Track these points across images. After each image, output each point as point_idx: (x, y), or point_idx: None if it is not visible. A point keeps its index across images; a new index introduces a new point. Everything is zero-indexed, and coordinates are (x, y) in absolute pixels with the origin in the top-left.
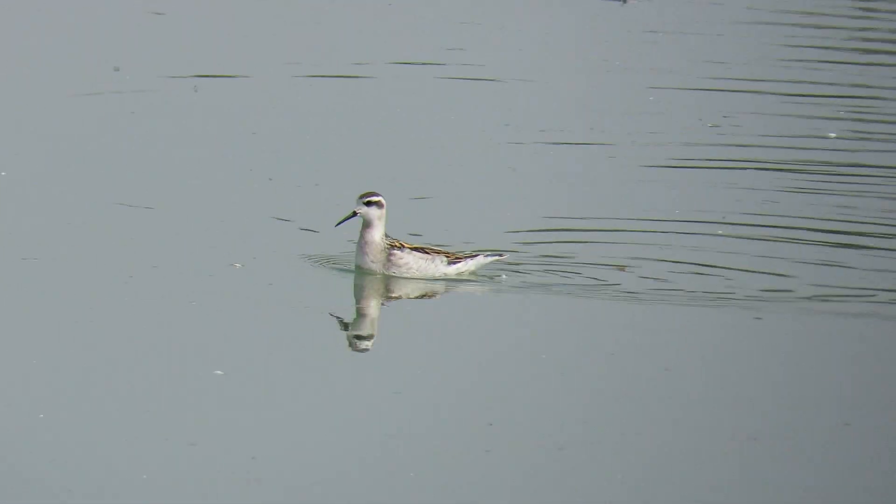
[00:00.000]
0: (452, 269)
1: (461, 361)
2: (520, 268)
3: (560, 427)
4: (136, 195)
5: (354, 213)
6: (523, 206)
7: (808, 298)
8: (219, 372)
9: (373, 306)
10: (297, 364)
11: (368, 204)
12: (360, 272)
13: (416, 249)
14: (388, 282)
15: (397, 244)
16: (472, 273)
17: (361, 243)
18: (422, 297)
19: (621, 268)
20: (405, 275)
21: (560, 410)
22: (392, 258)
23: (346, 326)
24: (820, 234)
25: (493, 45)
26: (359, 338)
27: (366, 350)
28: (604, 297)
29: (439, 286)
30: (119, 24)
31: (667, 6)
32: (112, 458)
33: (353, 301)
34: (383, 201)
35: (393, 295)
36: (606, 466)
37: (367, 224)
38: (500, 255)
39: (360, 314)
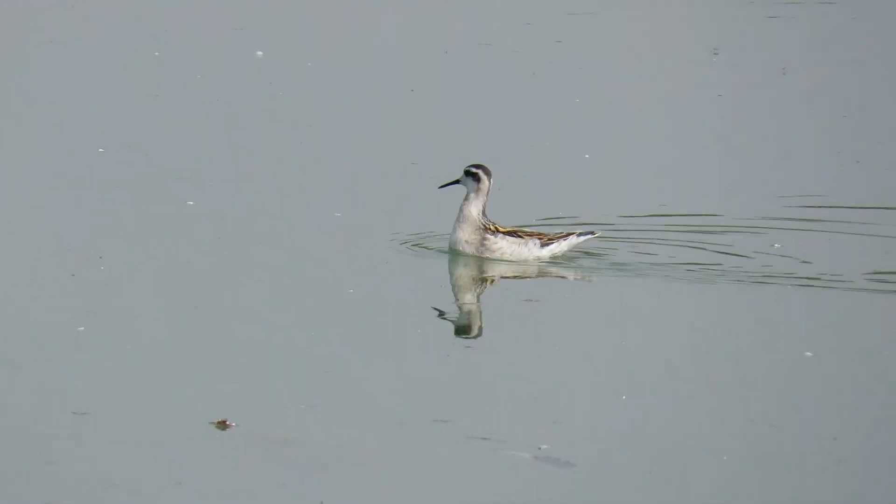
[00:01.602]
0: (546, 252)
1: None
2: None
3: None
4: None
5: (458, 181)
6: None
7: None
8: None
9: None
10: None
11: (467, 174)
12: (454, 254)
13: (509, 233)
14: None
15: (492, 227)
16: (564, 254)
17: (459, 217)
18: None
19: None
20: (500, 258)
21: None
22: (486, 243)
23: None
24: None
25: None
26: None
27: None
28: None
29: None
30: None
31: None
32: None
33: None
34: (482, 174)
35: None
36: None
37: (465, 196)
38: (592, 234)
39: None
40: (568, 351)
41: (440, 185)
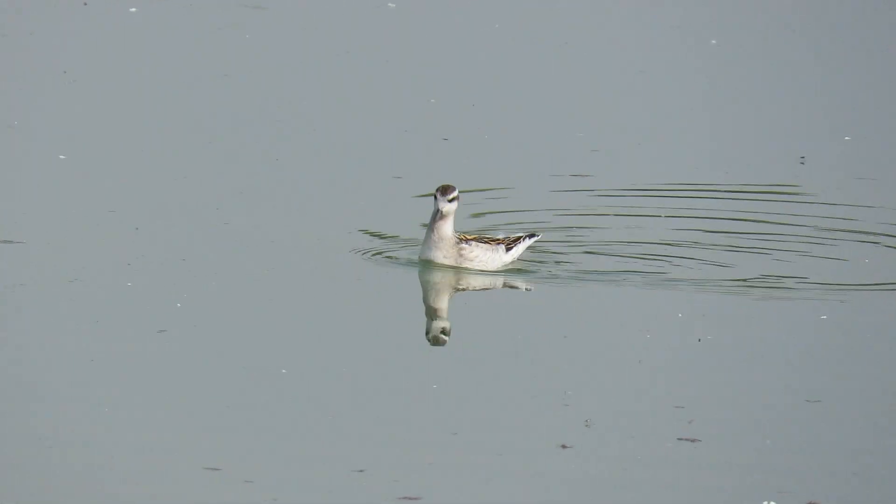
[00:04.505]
0: (509, 257)
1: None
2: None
3: None
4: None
5: (439, 211)
6: None
7: None
8: None
9: None
10: None
11: (451, 200)
12: (426, 265)
13: (477, 240)
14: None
15: (462, 237)
16: (516, 259)
17: (433, 238)
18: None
19: None
20: (475, 267)
21: None
22: (463, 252)
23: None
24: None
25: None
26: None
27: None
28: None
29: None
30: None
31: None
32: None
33: None
34: (458, 195)
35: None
36: None
37: (439, 216)
38: (536, 236)
39: None
40: None
41: (430, 223)
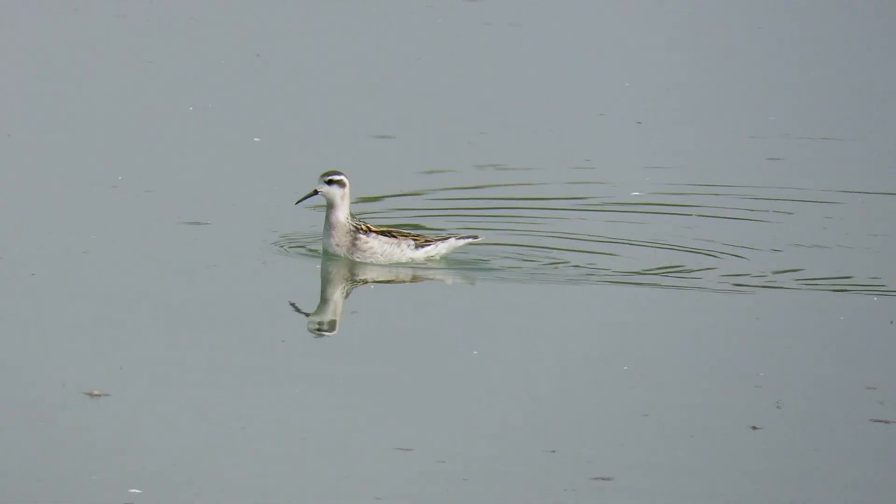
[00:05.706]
0: (420, 253)
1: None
2: None
3: None
4: None
5: (315, 192)
6: None
7: None
8: None
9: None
10: None
11: (330, 182)
12: (327, 256)
13: (382, 233)
14: (352, 267)
15: (363, 227)
16: (444, 256)
17: (327, 225)
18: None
19: None
20: (369, 260)
21: None
22: (357, 242)
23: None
24: None
25: None
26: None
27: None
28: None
29: (406, 271)
30: None
31: None
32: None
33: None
34: (345, 180)
35: (358, 279)
36: None
37: (330, 204)
38: (475, 238)
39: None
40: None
41: (296, 200)
